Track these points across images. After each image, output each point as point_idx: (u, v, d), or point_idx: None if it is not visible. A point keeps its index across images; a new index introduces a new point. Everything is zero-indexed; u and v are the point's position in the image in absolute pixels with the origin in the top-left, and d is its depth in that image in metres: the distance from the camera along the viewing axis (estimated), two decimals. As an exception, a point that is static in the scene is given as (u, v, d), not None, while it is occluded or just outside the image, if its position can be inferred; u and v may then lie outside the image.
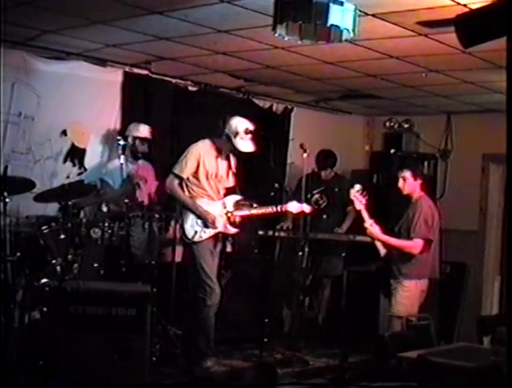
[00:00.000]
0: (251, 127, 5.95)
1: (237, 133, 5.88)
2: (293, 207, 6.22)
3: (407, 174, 6.01)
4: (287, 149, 8.44)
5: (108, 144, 7.01)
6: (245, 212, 6.09)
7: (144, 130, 6.84)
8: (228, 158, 6.07)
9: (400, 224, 6.02)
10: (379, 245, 5.96)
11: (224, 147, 5.97)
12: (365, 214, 5.94)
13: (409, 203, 6.04)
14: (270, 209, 6.11)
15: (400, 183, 6.04)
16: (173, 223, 6.25)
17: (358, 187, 6.06)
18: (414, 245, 5.84)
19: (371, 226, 5.92)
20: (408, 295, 5.80)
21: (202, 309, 5.86)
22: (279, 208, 6.11)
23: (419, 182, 6.05)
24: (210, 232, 5.92)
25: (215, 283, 5.89)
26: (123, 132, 6.86)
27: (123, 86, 7.07)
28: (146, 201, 6.71)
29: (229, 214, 6.02)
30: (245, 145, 5.92)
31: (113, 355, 4.99)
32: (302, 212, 6.38)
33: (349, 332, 6.50)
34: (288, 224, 7.63)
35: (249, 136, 5.92)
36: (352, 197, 6.02)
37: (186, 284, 6.29)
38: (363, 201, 5.95)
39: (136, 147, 6.81)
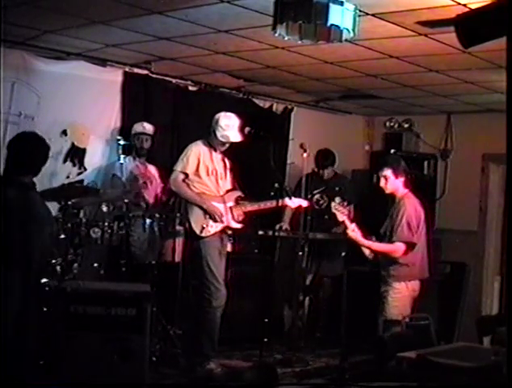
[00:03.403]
0: (234, 119, 6.01)
1: (219, 127, 5.95)
2: (291, 201, 6.29)
3: (388, 172, 5.79)
4: (287, 149, 8.44)
5: (108, 144, 7.03)
6: (246, 206, 6.13)
7: (147, 126, 6.91)
8: (223, 160, 6.11)
9: (385, 225, 5.87)
10: (366, 250, 5.86)
11: (215, 143, 6.02)
12: (347, 222, 5.77)
13: (393, 202, 5.86)
14: (269, 204, 6.20)
15: (382, 183, 5.81)
16: (173, 223, 6.27)
17: (337, 199, 6.02)
18: (396, 249, 5.67)
19: (353, 232, 5.74)
20: (399, 297, 5.67)
21: (207, 310, 5.87)
22: (278, 202, 6.17)
23: (402, 179, 5.81)
24: (217, 227, 5.94)
25: (221, 284, 5.89)
26: (125, 132, 6.89)
27: (123, 86, 7.08)
28: (152, 201, 6.76)
29: (232, 210, 6.06)
30: (229, 135, 5.96)
31: (113, 355, 4.99)
32: (300, 207, 6.45)
33: (349, 332, 6.50)
34: (286, 225, 7.63)
35: (234, 127, 5.97)
36: (334, 210, 5.82)
37: (187, 283, 6.30)
38: (345, 212, 5.81)
39: (142, 143, 6.85)
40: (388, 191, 5.85)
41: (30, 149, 4.60)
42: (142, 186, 6.80)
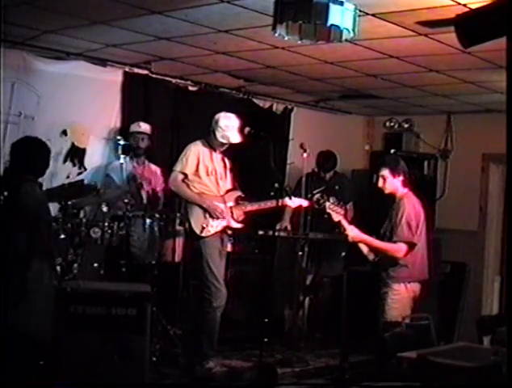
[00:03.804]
0: (234, 120, 6.01)
1: (219, 127, 5.96)
2: (291, 201, 6.29)
3: (385, 172, 5.72)
4: (287, 149, 8.44)
5: (108, 144, 7.03)
6: (246, 206, 6.13)
7: (143, 126, 6.92)
8: (223, 159, 6.11)
9: (384, 226, 5.81)
10: (365, 250, 5.81)
11: (214, 144, 6.03)
12: (344, 223, 5.71)
13: (392, 202, 5.78)
14: (269, 204, 6.20)
15: (380, 183, 5.75)
16: (173, 223, 6.28)
17: (332, 199, 5.96)
18: (398, 248, 5.62)
19: (352, 231, 5.69)
20: (399, 298, 5.63)
21: (207, 310, 5.87)
22: (278, 202, 6.19)
23: (400, 179, 5.74)
24: (217, 226, 5.94)
25: (221, 284, 5.90)
26: (125, 133, 6.89)
27: (123, 86, 7.08)
28: (150, 201, 6.76)
29: (232, 210, 6.06)
30: (229, 136, 5.97)
31: (113, 355, 4.99)
32: (300, 207, 6.45)
33: (349, 332, 6.49)
34: (287, 224, 7.64)
35: (234, 128, 5.97)
36: (328, 210, 5.74)
37: (187, 283, 6.30)
38: (341, 212, 5.74)
39: (138, 143, 6.85)
40: (386, 191, 5.80)
41: (34, 154, 4.84)
42: (138, 186, 6.79)
